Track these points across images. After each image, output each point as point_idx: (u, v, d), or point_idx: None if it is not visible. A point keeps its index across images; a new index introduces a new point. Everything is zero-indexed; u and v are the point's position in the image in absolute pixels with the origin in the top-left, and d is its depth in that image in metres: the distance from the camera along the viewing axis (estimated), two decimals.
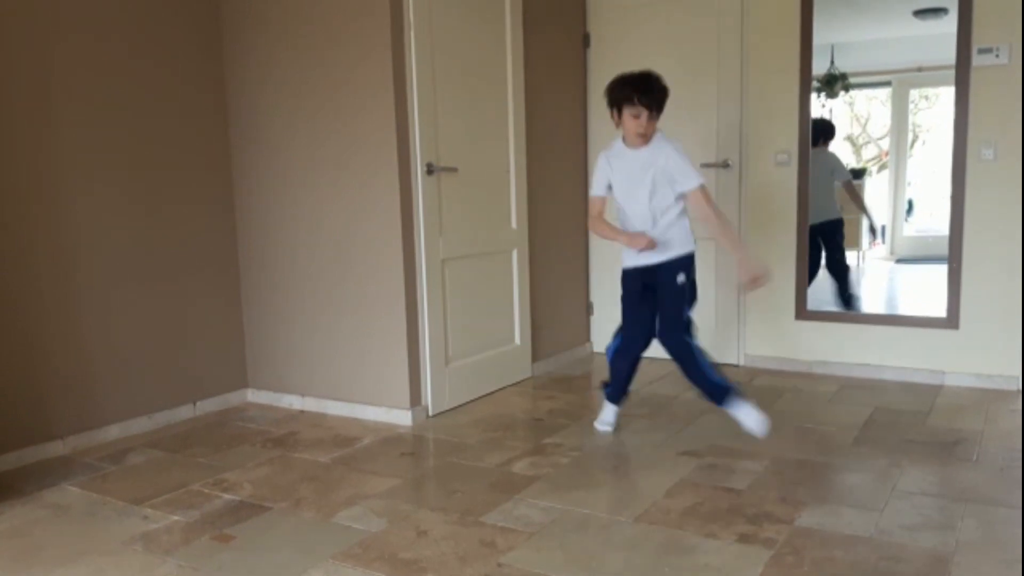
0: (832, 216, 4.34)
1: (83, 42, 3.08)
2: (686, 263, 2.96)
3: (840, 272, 4.41)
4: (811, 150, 4.14)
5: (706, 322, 4.25)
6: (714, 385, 2.96)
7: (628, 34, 4.37)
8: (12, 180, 2.89)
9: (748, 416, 2.95)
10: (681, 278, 2.94)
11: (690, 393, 3.63)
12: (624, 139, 2.95)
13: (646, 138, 2.87)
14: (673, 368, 3.05)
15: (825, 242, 4.31)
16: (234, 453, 3.03)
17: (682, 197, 2.89)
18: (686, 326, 2.98)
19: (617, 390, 3.16)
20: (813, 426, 3.20)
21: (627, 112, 2.85)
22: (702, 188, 2.85)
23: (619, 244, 3.00)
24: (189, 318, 3.51)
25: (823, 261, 4.32)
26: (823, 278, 4.31)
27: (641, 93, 2.82)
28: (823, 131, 4.33)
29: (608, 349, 3.16)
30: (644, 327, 3.01)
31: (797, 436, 3.08)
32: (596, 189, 3.04)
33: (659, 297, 2.96)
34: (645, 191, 2.89)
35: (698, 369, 2.95)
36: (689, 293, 2.98)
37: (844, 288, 4.41)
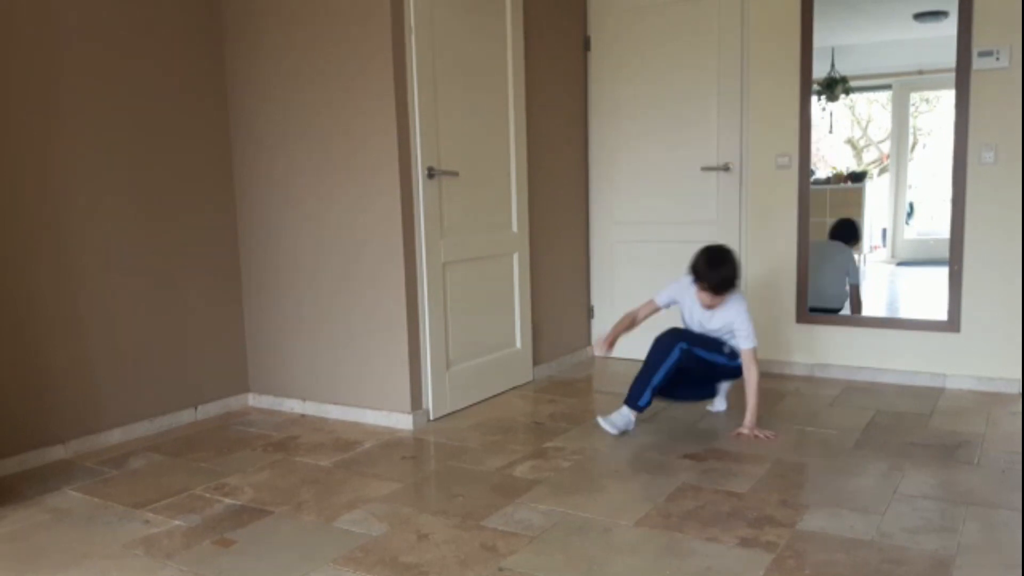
0: (835, 305, 4.27)
1: (86, 48, 3.08)
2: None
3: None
4: (829, 243, 4.16)
5: None
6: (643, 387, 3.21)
7: (629, 37, 4.38)
8: (14, 184, 2.90)
9: (613, 417, 3.21)
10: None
11: None
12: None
13: (712, 307, 3.16)
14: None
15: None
16: (235, 457, 3.03)
17: (737, 351, 3.20)
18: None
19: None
20: (814, 429, 3.20)
21: (697, 284, 3.14)
22: (753, 350, 3.15)
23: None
24: (191, 322, 3.51)
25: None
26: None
27: (705, 278, 3.09)
28: (849, 231, 4.42)
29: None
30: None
31: (798, 439, 3.08)
32: (660, 299, 3.32)
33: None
34: (707, 326, 3.21)
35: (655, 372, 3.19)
36: (697, 366, 3.19)
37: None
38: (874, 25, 4.28)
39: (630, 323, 3.34)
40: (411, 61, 3.25)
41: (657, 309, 3.34)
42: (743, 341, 3.14)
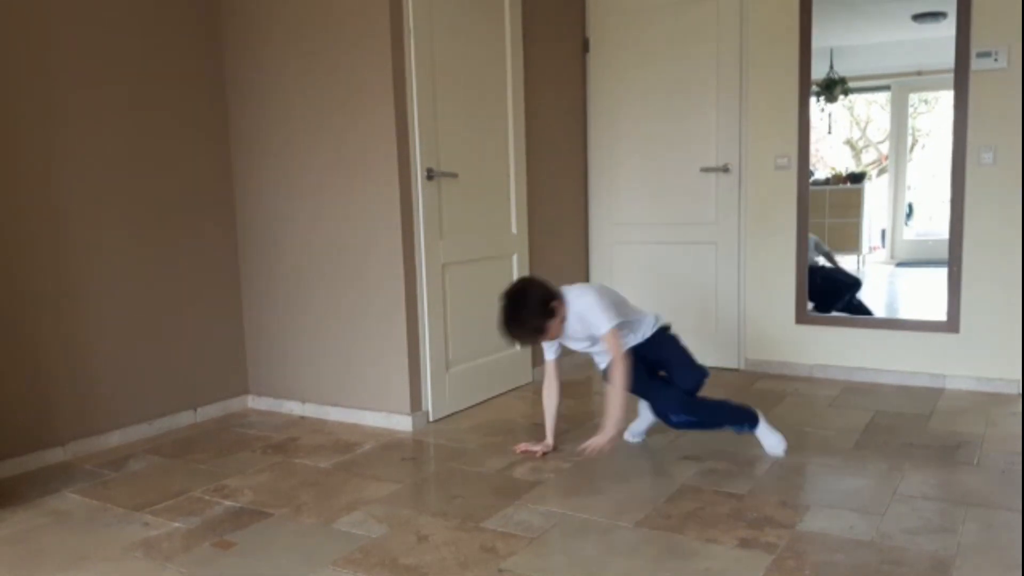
0: None
1: (85, 49, 3.08)
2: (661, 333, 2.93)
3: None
4: None
5: (707, 326, 4.26)
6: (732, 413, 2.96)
7: (628, 39, 4.38)
8: (14, 184, 2.90)
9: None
10: (669, 333, 2.94)
11: None
12: None
13: (554, 338, 2.87)
14: None
15: None
16: (235, 459, 3.03)
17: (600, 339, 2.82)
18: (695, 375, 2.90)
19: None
20: (814, 430, 3.20)
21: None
22: (611, 332, 2.75)
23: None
24: (190, 324, 3.51)
25: None
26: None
27: (516, 336, 2.86)
28: None
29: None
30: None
31: (798, 440, 3.07)
32: (550, 354, 3.01)
33: (663, 355, 2.92)
34: (591, 348, 2.94)
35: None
36: (681, 351, 2.91)
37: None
38: (873, 26, 4.28)
39: (558, 394, 3.04)
40: (410, 62, 3.26)
41: (554, 362, 3.03)
42: (598, 326, 2.74)
